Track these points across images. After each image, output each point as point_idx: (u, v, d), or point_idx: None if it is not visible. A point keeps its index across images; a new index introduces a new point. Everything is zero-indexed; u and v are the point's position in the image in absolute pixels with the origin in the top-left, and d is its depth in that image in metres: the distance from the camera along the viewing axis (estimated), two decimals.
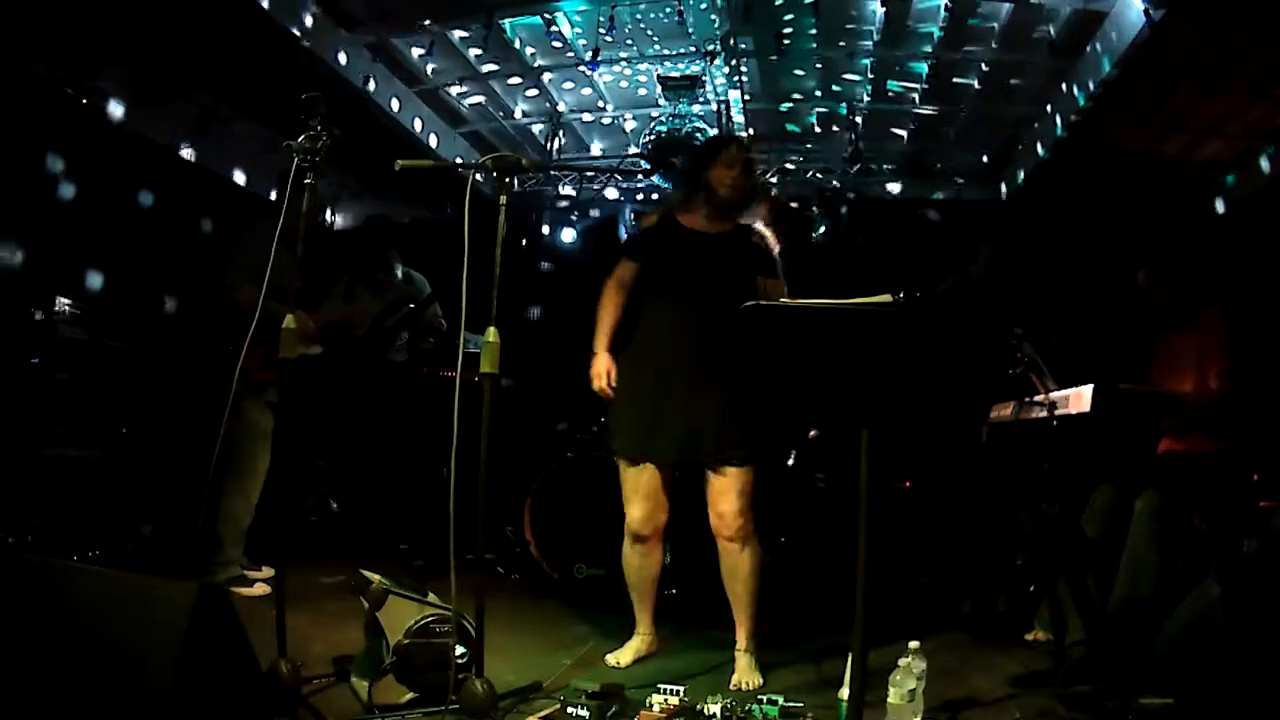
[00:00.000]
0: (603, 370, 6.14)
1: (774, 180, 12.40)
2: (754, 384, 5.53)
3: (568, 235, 13.42)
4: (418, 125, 10.89)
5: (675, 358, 5.89)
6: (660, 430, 5.90)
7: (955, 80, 10.14)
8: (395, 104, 10.37)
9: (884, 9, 8.83)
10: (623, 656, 6.02)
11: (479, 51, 9.86)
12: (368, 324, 8.29)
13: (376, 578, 4.99)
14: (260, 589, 7.10)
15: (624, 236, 12.96)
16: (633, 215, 12.32)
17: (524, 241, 12.84)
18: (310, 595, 7.08)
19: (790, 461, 9.44)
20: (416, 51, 9.96)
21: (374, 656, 4.95)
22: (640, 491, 6.04)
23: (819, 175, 12.16)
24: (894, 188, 12.55)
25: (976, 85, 10.14)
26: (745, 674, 5.86)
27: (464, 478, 4.59)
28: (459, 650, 4.67)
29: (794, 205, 11.09)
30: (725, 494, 5.88)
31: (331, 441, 9.45)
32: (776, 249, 5.98)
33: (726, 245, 6.08)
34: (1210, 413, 6.51)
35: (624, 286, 6.31)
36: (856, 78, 10.35)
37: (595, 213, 13.53)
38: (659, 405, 5.90)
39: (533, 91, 11.00)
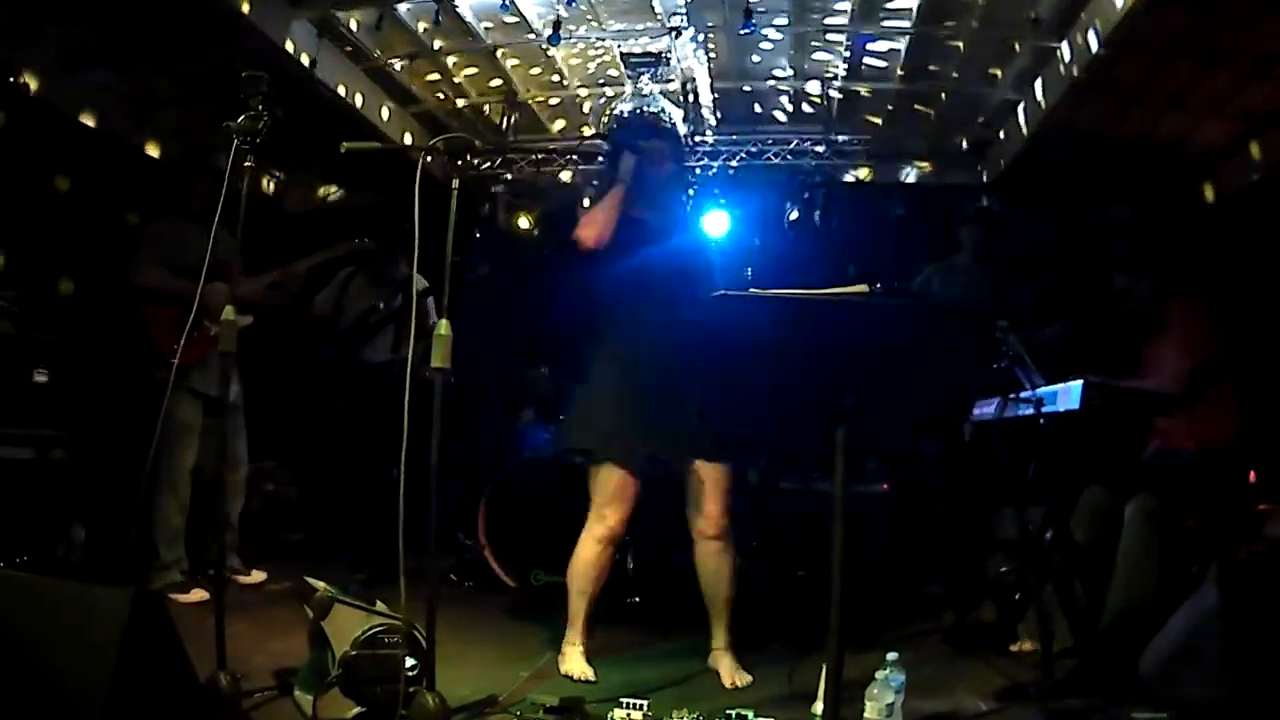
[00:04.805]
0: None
1: (736, 164, 12.45)
2: (723, 377, 5.56)
3: (523, 222, 13.37)
4: (365, 105, 10.84)
5: (649, 355, 5.94)
6: (643, 430, 5.97)
7: (935, 58, 10.16)
8: (341, 82, 10.32)
9: None
10: (588, 669, 6.03)
11: (430, 26, 9.82)
12: (299, 286, 8.27)
13: (322, 585, 4.98)
14: (198, 595, 7.09)
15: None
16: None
17: (478, 234, 12.79)
18: (252, 603, 7.09)
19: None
20: (364, 27, 9.92)
21: (319, 668, 4.94)
22: (621, 493, 6.04)
23: (790, 158, 12.18)
24: (869, 171, 12.58)
25: (957, 64, 10.16)
26: (735, 672, 6.02)
27: (415, 478, 4.60)
28: (409, 662, 4.68)
29: None
30: (711, 493, 6.01)
31: (283, 439, 9.46)
32: None
33: (685, 239, 6.33)
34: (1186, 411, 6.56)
35: None
36: (830, 55, 10.36)
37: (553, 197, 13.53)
38: (638, 404, 5.97)
39: (487, 69, 10.96)
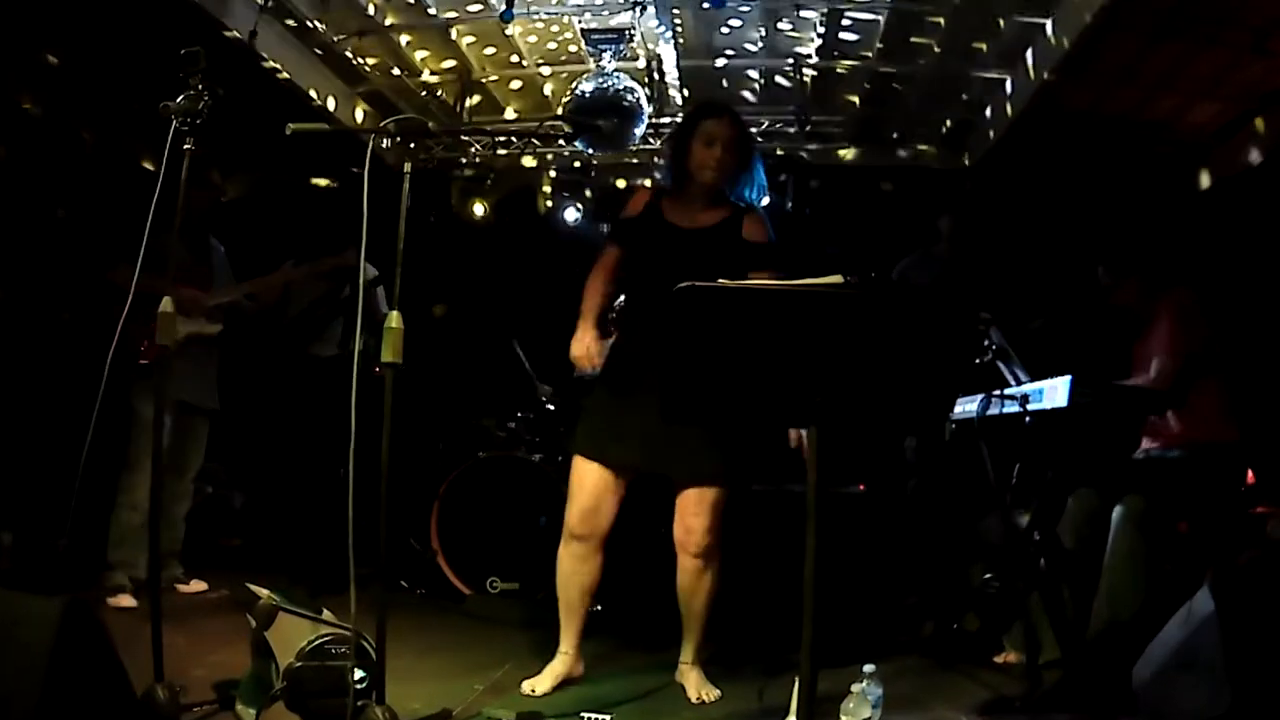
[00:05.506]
0: (588, 340, 6.05)
1: None
2: (687, 378, 5.54)
3: (479, 209, 13.29)
4: (311, 84, 10.77)
5: (651, 365, 5.85)
6: (627, 436, 5.93)
7: (915, 34, 10.14)
8: (285, 60, 10.23)
9: None
10: (540, 683, 5.96)
11: (380, 2, 9.77)
12: (276, 296, 8.29)
13: (265, 592, 4.97)
14: (125, 600, 7.05)
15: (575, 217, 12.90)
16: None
17: (432, 217, 12.74)
18: (191, 611, 7.07)
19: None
20: (309, 3, 9.83)
21: (261, 681, 4.93)
22: (585, 488, 6.02)
23: (761, 140, 12.15)
24: (846, 154, 12.57)
25: (938, 40, 10.14)
26: (702, 687, 6.05)
27: (364, 479, 4.58)
28: (358, 674, 4.67)
29: None
30: (698, 509, 5.99)
31: (223, 439, 9.41)
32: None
33: (711, 242, 6.10)
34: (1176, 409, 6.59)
35: (609, 271, 6.31)
36: (803, 30, 10.32)
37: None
38: (629, 410, 5.91)
39: (440, 46, 10.90)
